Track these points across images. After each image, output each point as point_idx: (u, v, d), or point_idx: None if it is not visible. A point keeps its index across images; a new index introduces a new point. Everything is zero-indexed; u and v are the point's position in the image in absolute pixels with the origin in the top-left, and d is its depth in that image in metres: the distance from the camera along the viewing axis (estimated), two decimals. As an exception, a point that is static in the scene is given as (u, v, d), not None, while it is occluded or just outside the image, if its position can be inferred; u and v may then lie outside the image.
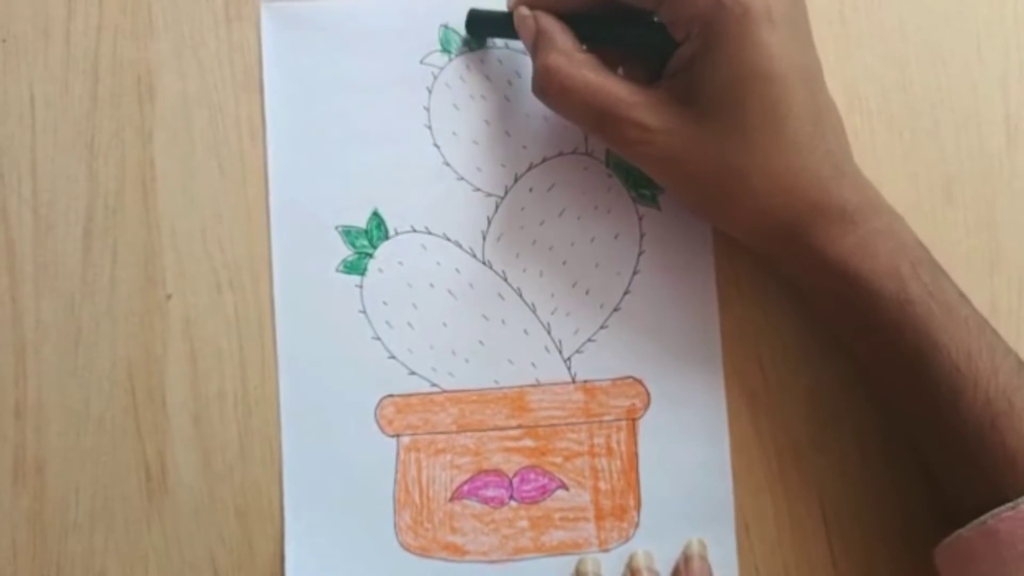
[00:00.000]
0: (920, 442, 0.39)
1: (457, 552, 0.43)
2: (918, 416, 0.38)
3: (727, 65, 0.36)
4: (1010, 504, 0.35)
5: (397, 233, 0.44)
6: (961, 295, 0.38)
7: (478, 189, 0.44)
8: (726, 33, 0.36)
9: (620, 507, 0.43)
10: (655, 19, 0.40)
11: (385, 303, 0.43)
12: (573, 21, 0.40)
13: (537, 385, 0.43)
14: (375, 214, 0.44)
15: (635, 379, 0.43)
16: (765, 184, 0.37)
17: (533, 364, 0.44)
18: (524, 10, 0.41)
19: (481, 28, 0.44)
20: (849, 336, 0.40)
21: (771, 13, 0.36)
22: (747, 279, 0.44)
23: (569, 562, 0.43)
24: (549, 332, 0.44)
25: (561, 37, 0.39)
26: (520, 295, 0.44)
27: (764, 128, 0.37)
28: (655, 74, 0.40)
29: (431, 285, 0.44)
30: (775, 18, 0.36)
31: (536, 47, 0.40)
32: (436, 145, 0.44)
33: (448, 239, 0.44)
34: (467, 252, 0.44)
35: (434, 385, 0.43)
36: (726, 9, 0.36)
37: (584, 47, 0.40)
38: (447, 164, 0.44)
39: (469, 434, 0.43)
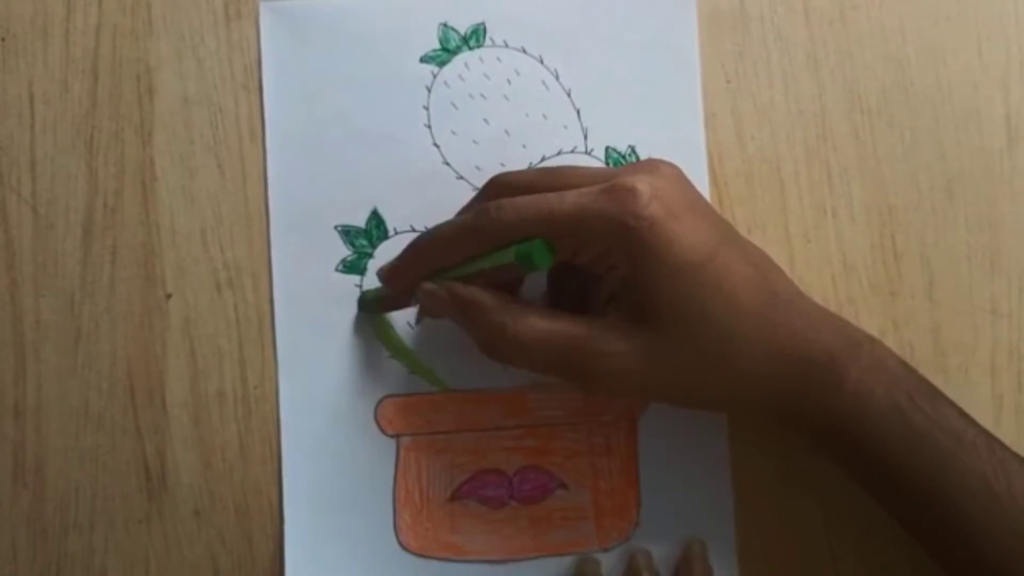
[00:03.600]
0: (949, 566, 0.38)
1: (457, 552, 0.43)
2: (946, 542, 0.37)
3: (659, 274, 0.36)
4: None
5: (397, 232, 0.44)
6: (962, 415, 0.37)
7: (478, 189, 0.44)
8: (644, 248, 0.36)
9: (620, 506, 0.43)
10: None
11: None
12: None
13: (537, 385, 0.43)
14: (374, 214, 0.44)
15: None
16: (746, 365, 0.37)
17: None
18: (428, 285, 0.40)
19: (375, 307, 0.43)
20: (862, 478, 0.39)
21: (672, 209, 0.36)
22: (747, 279, 0.44)
23: (569, 562, 0.43)
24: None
25: (485, 296, 0.38)
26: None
27: (723, 309, 0.36)
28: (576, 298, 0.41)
29: (431, 285, 0.44)
30: (677, 211, 0.36)
31: (464, 314, 0.39)
32: (435, 144, 0.44)
33: (448, 239, 0.44)
34: (467, 252, 0.44)
35: (434, 385, 0.43)
36: (634, 229, 0.35)
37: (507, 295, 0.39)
38: (446, 163, 0.44)
39: (469, 434, 0.43)
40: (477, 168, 0.44)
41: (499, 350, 0.38)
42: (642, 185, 0.36)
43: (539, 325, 0.37)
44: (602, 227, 0.36)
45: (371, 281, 0.43)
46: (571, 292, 0.41)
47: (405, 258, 0.41)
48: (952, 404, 0.37)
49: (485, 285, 0.39)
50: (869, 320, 0.44)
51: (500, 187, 0.40)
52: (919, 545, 0.38)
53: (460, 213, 0.42)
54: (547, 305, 0.40)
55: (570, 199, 0.36)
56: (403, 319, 0.43)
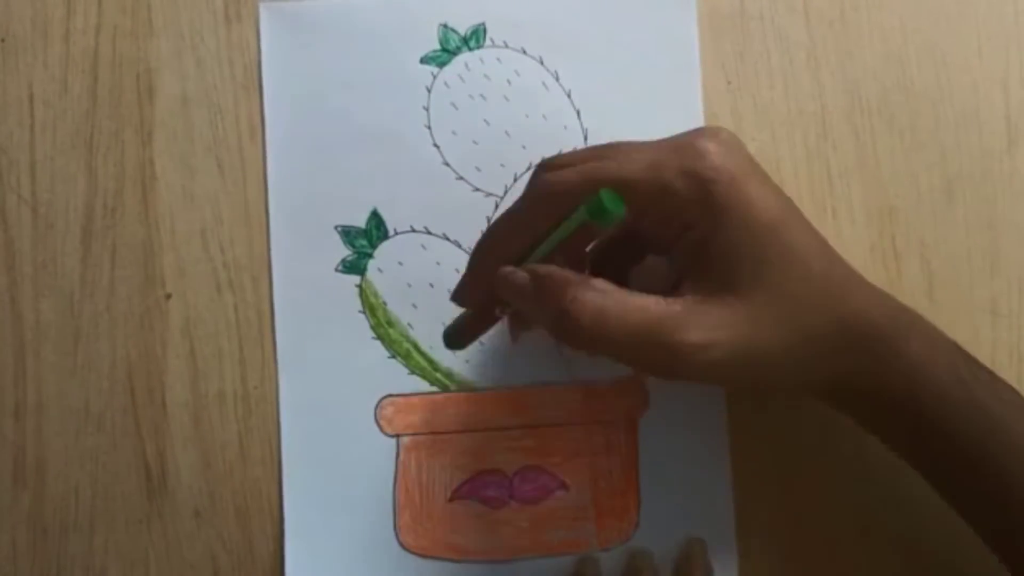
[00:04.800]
0: (1000, 538, 0.38)
1: (457, 552, 0.43)
2: (994, 513, 0.37)
3: (739, 231, 0.35)
4: None
5: (396, 233, 0.44)
6: (1013, 388, 0.37)
7: (477, 189, 0.44)
8: (725, 204, 0.35)
9: (620, 507, 0.43)
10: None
11: (385, 303, 0.43)
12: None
13: (537, 385, 0.43)
14: (374, 214, 0.44)
15: (635, 379, 0.43)
16: (813, 332, 0.36)
17: (533, 364, 0.43)
18: (506, 268, 0.37)
19: (461, 338, 0.41)
20: (914, 451, 0.38)
21: (745, 170, 0.35)
22: (747, 279, 0.44)
23: (569, 562, 0.43)
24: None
25: (567, 272, 0.36)
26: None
27: (796, 272, 0.36)
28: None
29: (431, 285, 0.44)
30: (749, 173, 0.36)
31: (543, 294, 0.36)
32: (435, 145, 0.44)
33: (448, 239, 0.44)
34: (467, 252, 0.44)
35: (434, 385, 0.43)
36: (714, 182, 0.35)
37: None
38: (446, 164, 0.44)
39: (469, 434, 0.43)
40: (477, 168, 0.44)
41: (578, 329, 0.35)
42: (712, 145, 0.35)
43: (622, 297, 0.35)
44: (681, 183, 0.35)
45: (371, 281, 0.43)
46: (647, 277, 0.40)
47: (473, 265, 0.39)
48: (1003, 379, 0.37)
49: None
50: (869, 320, 0.44)
51: (550, 167, 0.37)
52: (965, 521, 0.38)
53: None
54: (619, 286, 0.36)
55: (641, 154, 0.35)
56: (403, 319, 0.43)
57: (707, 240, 0.36)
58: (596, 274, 0.37)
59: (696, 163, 0.35)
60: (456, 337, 0.41)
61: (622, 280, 0.38)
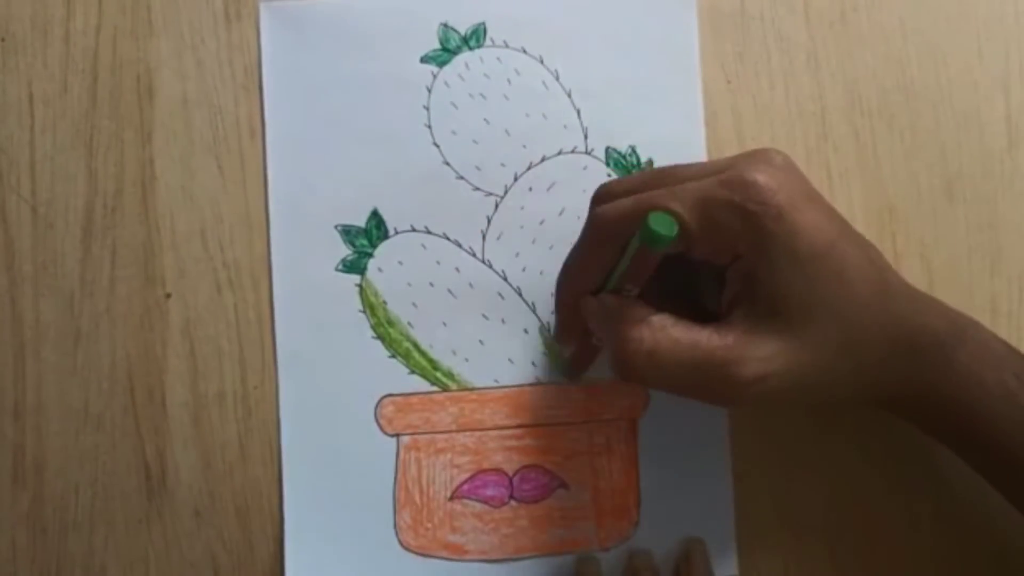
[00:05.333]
0: None
1: (457, 552, 0.43)
2: None
3: (785, 263, 0.36)
4: None
5: (397, 232, 0.44)
6: None
7: (478, 188, 0.44)
8: (771, 237, 0.35)
9: (620, 506, 0.43)
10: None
11: (385, 302, 0.43)
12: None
13: (537, 385, 0.43)
14: (374, 213, 0.44)
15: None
16: (864, 353, 0.37)
17: (533, 364, 0.44)
18: (587, 299, 0.39)
19: (576, 369, 0.43)
20: (974, 460, 0.39)
21: (794, 199, 0.36)
22: (747, 279, 0.44)
23: (569, 561, 0.43)
24: (549, 332, 0.44)
25: (625, 306, 0.37)
26: (520, 295, 0.44)
27: (845, 297, 0.36)
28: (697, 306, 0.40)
29: (431, 284, 0.44)
30: (798, 202, 0.36)
31: (605, 326, 0.38)
32: (436, 144, 0.44)
33: (448, 238, 0.44)
34: (467, 251, 0.44)
35: (434, 384, 0.43)
36: (762, 216, 0.35)
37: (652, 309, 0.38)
38: (447, 163, 0.44)
39: (469, 433, 0.43)
40: (477, 168, 0.44)
41: (633, 367, 0.37)
42: (762, 176, 0.35)
43: (676, 335, 0.36)
44: (727, 217, 0.35)
45: (371, 280, 0.43)
46: (687, 305, 0.40)
47: (558, 302, 0.41)
48: None
49: (642, 294, 0.38)
50: (869, 320, 0.44)
51: (607, 196, 0.39)
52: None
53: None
54: (683, 317, 0.38)
55: (690, 189, 0.36)
56: (403, 318, 0.43)
57: (755, 271, 0.36)
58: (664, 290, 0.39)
59: (743, 197, 0.35)
60: (572, 368, 0.43)
61: (696, 310, 0.39)
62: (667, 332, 0.36)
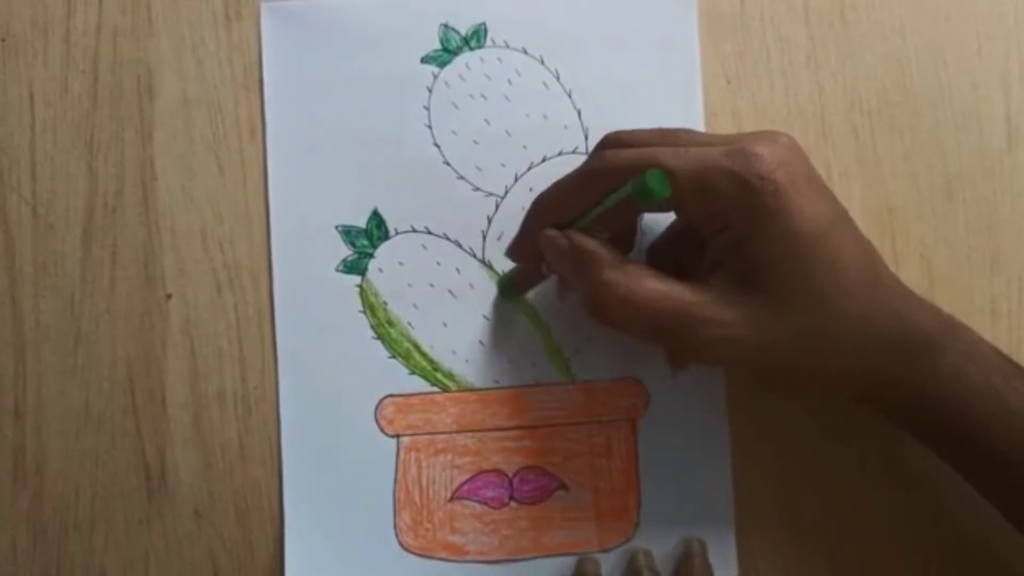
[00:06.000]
0: None
1: (457, 552, 0.43)
2: None
3: (776, 240, 0.36)
4: None
5: (397, 233, 0.44)
6: None
7: (478, 189, 0.44)
8: (765, 212, 0.35)
9: (620, 507, 0.43)
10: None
11: (385, 303, 0.43)
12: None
13: (537, 385, 0.43)
14: (375, 214, 0.44)
15: (635, 379, 0.43)
16: (847, 343, 0.37)
17: (533, 364, 0.44)
18: (550, 231, 0.39)
19: (513, 288, 0.43)
20: (956, 460, 0.39)
21: (795, 179, 0.36)
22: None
23: (569, 562, 0.43)
24: (549, 332, 0.44)
25: (603, 250, 0.38)
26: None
27: (832, 285, 0.36)
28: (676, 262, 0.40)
29: (431, 285, 0.44)
30: (799, 182, 0.36)
31: (579, 266, 0.38)
32: (436, 144, 0.44)
33: (448, 239, 0.44)
34: (467, 252, 0.44)
35: (434, 385, 0.43)
36: (759, 192, 0.35)
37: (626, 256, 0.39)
38: (447, 164, 0.44)
39: (469, 434, 0.43)
40: (477, 168, 0.44)
41: (606, 309, 0.38)
42: (766, 151, 0.36)
43: (649, 285, 0.37)
44: (726, 185, 0.35)
45: (372, 281, 0.43)
46: (670, 261, 0.40)
47: (526, 223, 0.41)
48: None
49: (604, 241, 0.38)
50: (869, 320, 0.44)
51: (614, 142, 0.39)
52: (1018, 531, 0.38)
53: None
54: (655, 269, 0.38)
55: (694, 153, 0.36)
56: (403, 319, 0.43)
57: (743, 243, 0.36)
58: (651, 262, 0.39)
59: (744, 169, 0.35)
60: (509, 287, 0.43)
61: (677, 268, 0.40)
62: (640, 280, 0.37)
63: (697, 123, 0.44)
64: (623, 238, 0.40)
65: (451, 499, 0.43)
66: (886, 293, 0.37)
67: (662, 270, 0.38)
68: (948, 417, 0.37)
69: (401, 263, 0.44)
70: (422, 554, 0.43)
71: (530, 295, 0.43)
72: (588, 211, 0.38)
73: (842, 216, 0.37)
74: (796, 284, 0.36)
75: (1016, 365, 0.38)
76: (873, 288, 0.37)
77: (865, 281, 0.37)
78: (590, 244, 0.38)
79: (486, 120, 0.44)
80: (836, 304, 0.36)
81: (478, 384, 0.43)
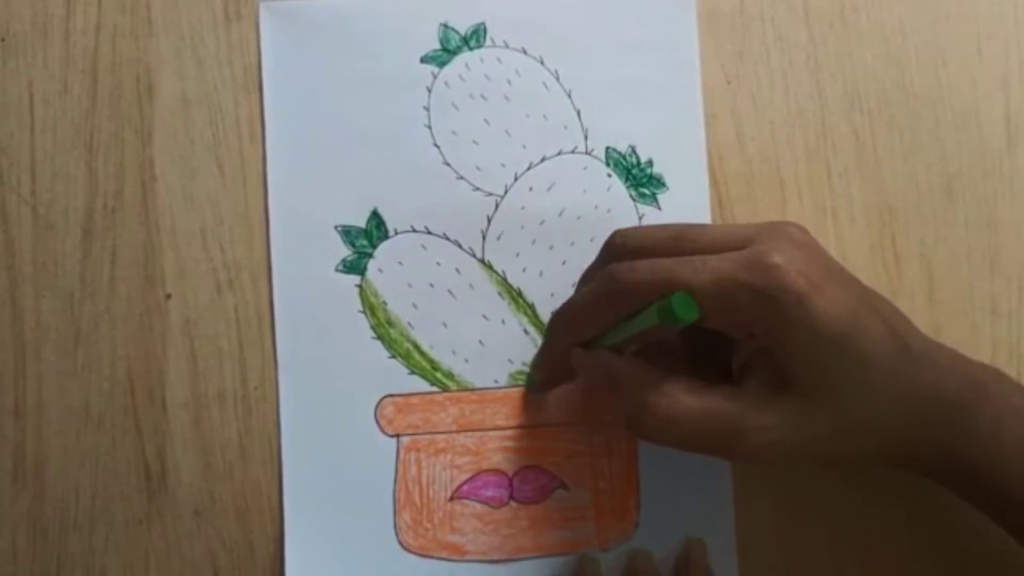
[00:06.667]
0: None
1: (457, 552, 0.43)
2: None
3: (803, 348, 0.36)
4: None
5: (397, 233, 0.44)
6: None
7: (478, 189, 0.44)
8: (789, 323, 0.35)
9: (620, 507, 0.43)
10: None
11: (385, 303, 0.43)
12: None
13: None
14: (375, 214, 0.44)
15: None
16: (884, 424, 0.37)
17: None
18: (580, 352, 0.40)
19: (544, 386, 0.43)
20: (1004, 521, 0.39)
21: (814, 280, 0.35)
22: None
23: (569, 562, 0.43)
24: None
25: (638, 371, 0.38)
26: (520, 295, 0.44)
27: (863, 376, 0.36)
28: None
29: (431, 285, 0.44)
30: (818, 282, 0.35)
31: (616, 388, 0.39)
32: (436, 145, 0.44)
33: (448, 239, 0.44)
34: (467, 252, 0.44)
35: (434, 385, 0.43)
36: (781, 304, 0.35)
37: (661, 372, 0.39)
38: (447, 164, 0.44)
39: (469, 434, 0.43)
40: (477, 168, 0.44)
41: (647, 431, 0.38)
42: (783, 259, 0.35)
43: (688, 403, 0.37)
44: (747, 300, 0.35)
45: (371, 281, 0.43)
46: (709, 353, 0.41)
47: (548, 342, 0.42)
48: None
49: (639, 350, 0.39)
50: (869, 320, 0.44)
51: (622, 250, 0.39)
52: None
53: (583, 279, 0.42)
54: (692, 377, 0.38)
55: (711, 267, 0.36)
56: (403, 319, 0.43)
57: (771, 351, 0.37)
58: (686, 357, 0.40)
59: (765, 283, 0.35)
60: (541, 388, 0.43)
61: (708, 355, 0.40)
62: (679, 399, 0.37)
63: (697, 123, 0.44)
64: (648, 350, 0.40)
65: (451, 499, 0.43)
66: (916, 368, 0.37)
67: (697, 373, 0.38)
68: (989, 478, 0.37)
69: (401, 263, 0.44)
70: (422, 554, 0.43)
71: (531, 297, 0.43)
72: (614, 329, 0.38)
73: (864, 298, 0.37)
74: (827, 383, 0.36)
75: None
76: (903, 366, 0.37)
77: (894, 363, 0.36)
78: (623, 366, 0.38)
79: (486, 120, 0.44)
80: (870, 393, 0.36)
81: (478, 384, 0.43)
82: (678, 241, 0.38)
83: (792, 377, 0.36)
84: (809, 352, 0.36)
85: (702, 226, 0.39)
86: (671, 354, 0.41)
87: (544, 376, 0.43)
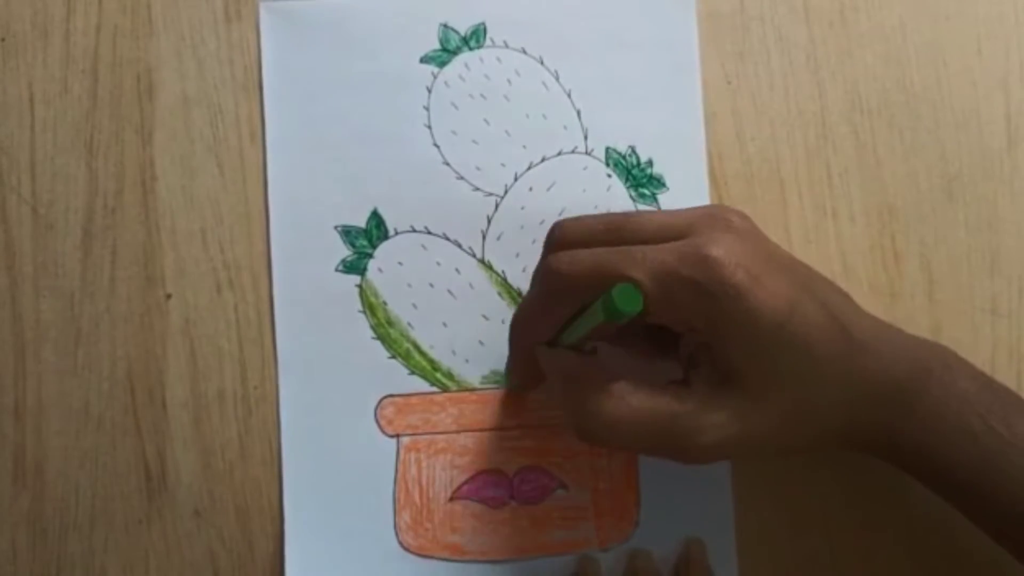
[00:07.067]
0: None
1: (457, 552, 0.43)
2: None
3: (743, 342, 0.36)
4: None
5: (397, 233, 0.44)
6: None
7: (478, 189, 0.44)
8: (728, 318, 0.35)
9: (620, 507, 0.43)
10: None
11: (385, 303, 0.43)
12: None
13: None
14: (375, 214, 0.44)
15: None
16: (827, 412, 0.37)
17: (533, 364, 0.44)
18: (541, 349, 0.39)
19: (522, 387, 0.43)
20: (951, 499, 0.38)
21: (753, 271, 0.35)
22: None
23: (569, 562, 0.43)
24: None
25: (590, 372, 0.38)
26: (520, 295, 0.44)
27: (804, 364, 0.36)
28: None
29: (431, 285, 0.44)
30: (757, 272, 0.35)
31: (565, 391, 0.38)
32: (436, 144, 0.44)
33: (448, 239, 0.44)
34: (467, 252, 0.44)
35: (434, 385, 0.43)
36: (719, 298, 0.35)
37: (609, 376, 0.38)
38: (447, 164, 0.44)
39: (469, 434, 0.43)
40: (477, 168, 0.44)
41: (593, 433, 0.37)
42: (721, 252, 0.35)
43: (635, 404, 0.36)
44: (685, 294, 0.35)
45: (371, 281, 0.43)
46: (672, 346, 0.40)
47: (512, 345, 0.41)
48: None
49: (596, 343, 0.39)
50: (869, 320, 0.44)
51: (562, 240, 0.39)
52: (1018, 561, 0.38)
53: (534, 276, 0.41)
54: (640, 379, 0.38)
55: (649, 259, 0.36)
56: (403, 319, 0.43)
57: (712, 345, 0.37)
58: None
59: (704, 276, 0.35)
60: (518, 388, 0.43)
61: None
62: (626, 401, 0.36)
63: (697, 123, 0.44)
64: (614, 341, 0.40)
65: (451, 499, 0.43)
66: (859, 354, 0.37)
67: (663, 368, 0.38)
68: (932, 461, 0.37)
69: (401, 263, 0.44)
70: (422, 554, 0.43)
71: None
72: (569, 327, 0.38)
73: (803, 284, 0.37)
74: (769, 376, 0.36)
75: (1001, 398, 0.37)
76: (844, 353, 0.36)
77: (835, 350, 0.36)
78: (573, 367, 0.38)
79: (485, 120, 0.44)
80: (809, 381, 0.36)
81: (478, 384, 0.43)
82: (617, 230, 0.38)
83: (735, 372, 0.36)
84: (749, 346, 0.35)
85: (641, 213, 0.39)
86: (636, 349, 0.41)
87: (516, 379, 0.42)
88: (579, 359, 0.38)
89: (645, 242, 0.36)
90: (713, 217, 0.37)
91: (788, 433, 0.37)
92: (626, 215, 0.39)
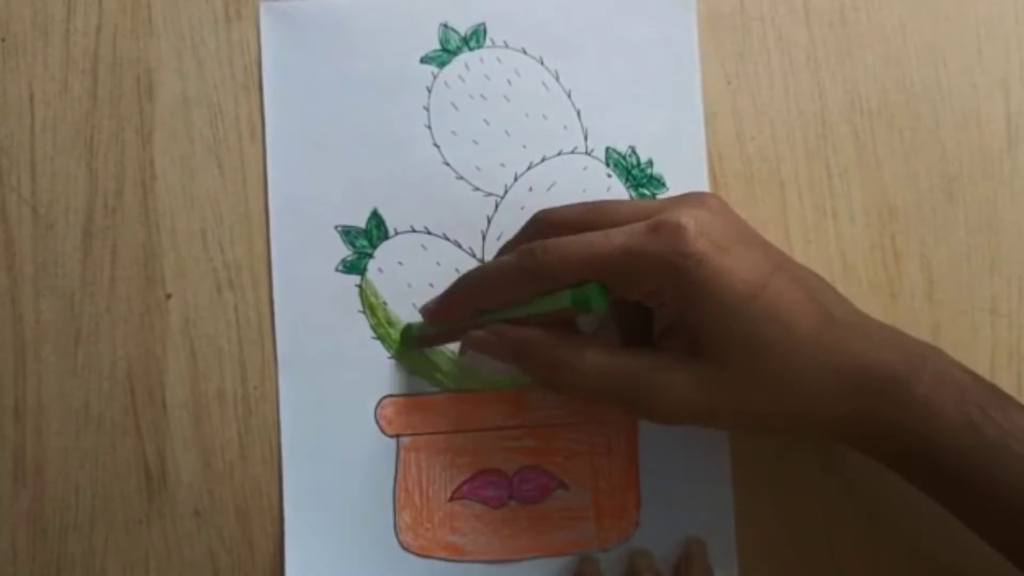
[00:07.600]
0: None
1: (457, 552, 0.43)
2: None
3: (708, 309, 0.36)
4: None
5: (397, 233, 0.44)
6: None
7: (478, 189, 0.44)
8: (693, 286, 0.36)
9: (620, 506, 0.43)
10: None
11: (385, 303, 0.43)
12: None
13: (537, 385, 0.43)
14: (374, 214, 0.44)
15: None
16: (805, 389, 0.37)
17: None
18: (476, 333, 0.41)
19: (418, 341, 0.43)
20: (939, 495, 0.38)
21: (720, 243, 0.36)
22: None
23: (569, 562, 0.43)
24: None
25: (542, 334, 0.39)
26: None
27: (776, 335, 0.36)
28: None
29: (431, 285, 0.44)
30: (726, 244, 0.36)
31: (523, 355, 0.40)
32: (436, 145, 0.44)
33: (448, 239, 0.44)
34: (467, 252, 0.44)
35: (434, 385, 0.43)
36: (683, 268, 0.36)
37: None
38: (447, 164, 0.44)
39: (469, 434, 0.43)
40: (477, 168, 0.44)
41: (563, 383, 0.39)
42: (688, 220, 0.36)
43: (599, 359, 0.38)
44: (650, 266, 0.36)
45: (371, 281, 0.43)
46: (638, 322, 0.41)
47: (450, 296, 0.42)
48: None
49: (538, 323, 0.40)
50: (869, 320, 0.44)
51: (544, 226, 0.40)
52: (1008, 560, 0.37)
53: (503, 249, 0.43)
54: (603, 339, 0.40)
55: (617, 240, 0.37)
56: (403, 319, 0.43)
57: (682, 315, 0.37)
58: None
59: (667, 247, 0.36)
60: (415, 341, 0.43)
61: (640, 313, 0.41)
62: (599, 352, 0.38)
63: (697, 123, 0.44)
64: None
65: (451, 499, 0.43)
66: (841, 334, 0.37)
67: (627, 333, 0.40)
68: (926, 451, 0.36)
69: (401, 263, 0.44)
70: (422, 554, 0.43)
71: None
72: (521, 306, 0.40)
73: (779, 264, 0.37)
74: (740, 344, 0.36)
75: (993, 389, 0.37)
76: (824, 331, 0.37)
77: (813, 327, 0.36)
78: (524, 333, 0.40)
79: (485, 120, 0.44)
80: (784, 355, 0.36)
81: (478, 384, 0.43)
82: (593, 215, 0.39)
83: (702, 341, 0.37)
84: (714, 315, 0.36)
85: (618, 201, 0.40)
86: (602, 329, 0.42)
87: (423, 334, 0.43)
88: (533, 327, 0.40)
89: (620, 225, 0.37)
90: (688, 197, 0.39)
91: (763, 404, 0.37)
92: (602, 202, 0.40)
